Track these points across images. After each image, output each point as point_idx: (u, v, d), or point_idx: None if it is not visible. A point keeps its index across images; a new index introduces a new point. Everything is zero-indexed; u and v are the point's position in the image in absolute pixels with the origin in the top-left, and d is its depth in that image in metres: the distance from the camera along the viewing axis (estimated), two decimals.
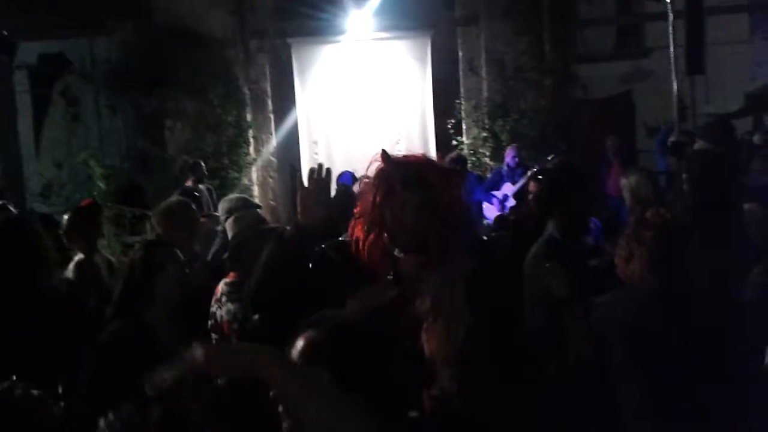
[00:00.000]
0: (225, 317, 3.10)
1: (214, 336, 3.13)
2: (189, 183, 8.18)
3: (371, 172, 2.10)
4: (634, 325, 2.40)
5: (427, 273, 1.88)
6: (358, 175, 8.58)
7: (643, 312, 2.41)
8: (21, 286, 3.20)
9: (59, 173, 10.77)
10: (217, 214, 7.17)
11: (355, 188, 7.95)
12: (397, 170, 2.04)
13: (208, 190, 8.43)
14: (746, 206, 3.48)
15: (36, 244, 3.35)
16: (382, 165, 2.08)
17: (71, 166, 10.25)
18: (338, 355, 1.36)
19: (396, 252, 2.05)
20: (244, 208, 4.05)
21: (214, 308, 3.18)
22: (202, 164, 8.43)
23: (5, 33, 6.75)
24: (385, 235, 2.05)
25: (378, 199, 2.04)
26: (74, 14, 10.73)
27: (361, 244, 2.10)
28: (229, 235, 3.33)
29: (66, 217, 4.33)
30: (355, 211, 2.15)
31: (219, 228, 4.61)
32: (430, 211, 2.01)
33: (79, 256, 4.09)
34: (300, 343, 1.42)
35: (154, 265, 2.70)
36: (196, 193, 7.81)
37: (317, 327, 1.43)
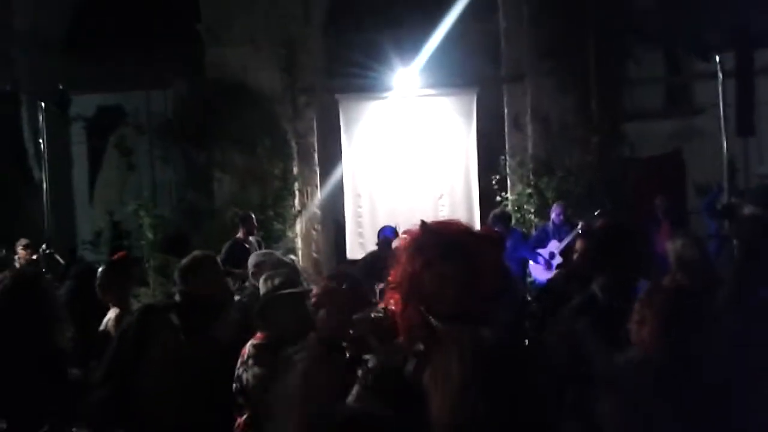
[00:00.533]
0: (251, 381, 2.98)
1: (239, 400, 3.03)
2: (240, 235, 8.28)
3: (406, 241, 2.07)
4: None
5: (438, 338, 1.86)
6: (399, 229, 8.62)
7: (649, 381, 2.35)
8: (24, 342, 3.22)
9: (110, 221, 11.06)
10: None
11: (395, 243, 7.97)
12: (434, 240, 2.00)
13: (258, 242, 8.52)
14: None
15: (40, 303, 3.36)
16: (419, 234, 2.04)
17: (122, 215, 10.51)
18: None
19: (434, 321, 1.99)
20: (273, 264, 4.04)
21: (240, 370, 3.05)
22: (253, 216, 8.54)
23: (61, 87, 7.04)
24: (422, 306, 2.00)
25: (415, 270, 1.99)
26: (133, 68, 11.18)
27: (397, 315, 2.06)
28: (261, 292, 3.28)
29: (99, 270, 4.35)
30: (388, 279, 2.10)
31: (246, 283, 4.59)
32: (470, 282, 1.96)
33: (114, 310, 4.13)
34: None
35: (146, 332, 2.62)
36: (246, 245, 7.93)
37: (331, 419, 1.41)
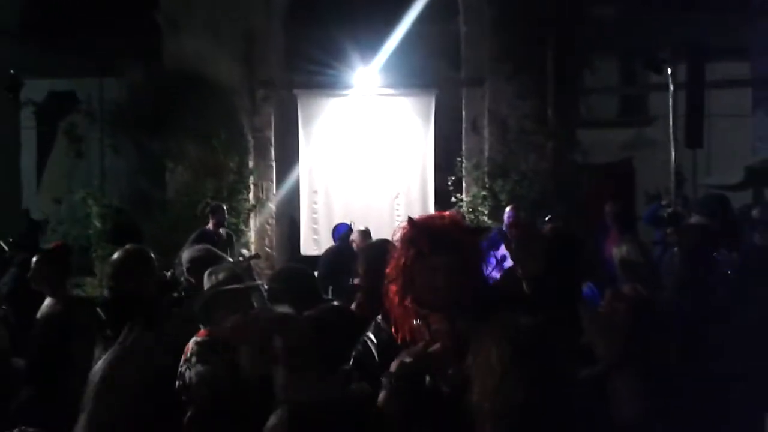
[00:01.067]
0: (194, 379, 2.89)
1: (183, 398, 2.93)
2: (210, 226, 8.14)
3: (398, 237, 2.19)
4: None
5: (469, 328, 1.91)
6: (354, 227, 8.63)
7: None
8: None
9: (57, 209, 10.78)
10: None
11: (353, 237, 7.97)
12: (424, 234, 2.11)
13: (228, 234, 8.40)
14: None
15: None
16: (410, 229, 2.16)
17: (70, 203, 10.26)
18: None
19: (423, 312, 2.11)
20: (208, 259, 3.94)
21: (183, 368, 2.96)
22: (224, 208, 8.39)
23: (12, 72, 6.85)
24: (412, 297, 2.12)
25: (407, 262, 2.11)
26: (86, 54, 10.94)
27: (394, 308, 2.16)
28: (205, 287, 3.19)
29: (34, 259, 4.23)
30: (387, 273, 2.21)
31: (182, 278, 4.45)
32: (460, 272, 2.08)
33: (50, 300, 4.02)
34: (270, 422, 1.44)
35: (72, 326, 2.52)
36: (216, 237, 7.82)
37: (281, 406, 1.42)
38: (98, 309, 2.94)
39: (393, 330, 2.17)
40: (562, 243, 3.52)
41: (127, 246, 3.62)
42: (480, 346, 1.71)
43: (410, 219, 2.20)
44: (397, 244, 2.19)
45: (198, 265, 4.08)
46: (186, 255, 4.34)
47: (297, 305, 3.10)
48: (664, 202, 7.29)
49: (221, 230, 8.25)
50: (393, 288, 2.15)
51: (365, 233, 7.84)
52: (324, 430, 1.44)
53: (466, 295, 2.09)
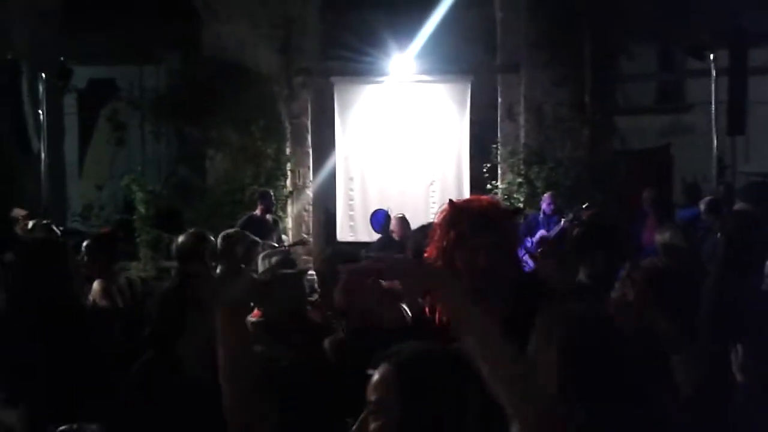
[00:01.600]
0: None
1: None
2: (257, 212, 8.24)
3: (438, 219, 2.21)
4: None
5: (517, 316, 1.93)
6: (391, 213, 8.70)
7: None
8: (60, 304, 3.26)
9: (100, 195, 11.04)
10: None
11: (392, 227, 8.02)
12: (465, 216, 2.14)
13: (274, 220, 8.52)
14: None
15: (70, 264, 3.43)
16: (450, 211, 2.18)
17: (112, 188, 10.50)
18: (415, 385, 1.36)
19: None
20: (247, 245, 4.05)
21: None
22: (272, 194, 8.50)
23: (62, 59, 7.02)
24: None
25: (448, 244, 2.13)
26: (127, 42, 11.13)
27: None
28: (259, 271, 3.29)
29: (84, 244, 4.41)
30: (425, 256, 2.22)
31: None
32: (500, 253, 2.11)
33: (99, 282, 4.18)
34: (375, 377, 1.41)
35: (187, 298, 2.68)
36: (263, 222, 7.95)
37: (392, 358, 1.42)
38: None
39: (431, 312, 2.14)
40: (600, 228, 3.54)
41: (192, 230, 3.82)
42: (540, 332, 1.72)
43: (450, 201, 2.23)
44: (436, 226, 2.20)
45: (234, 248, 4.26)
46: (221, 237, 4.44)
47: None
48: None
49: (268, 216, 8.32)
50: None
51: (403, 220, 7.90)
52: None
53: (505, 278, 2.11)
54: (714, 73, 6.81)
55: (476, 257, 2.09)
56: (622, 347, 1.74)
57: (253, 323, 3.06)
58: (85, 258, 4.33)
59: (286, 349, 2.88)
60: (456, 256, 2.12)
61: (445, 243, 2.14)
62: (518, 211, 5.89)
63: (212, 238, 3.86)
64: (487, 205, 2.20)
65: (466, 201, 2.25)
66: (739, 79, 7.09)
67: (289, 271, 3.17)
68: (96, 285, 4.24)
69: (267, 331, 3.00)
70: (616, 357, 1.69)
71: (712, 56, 6.82)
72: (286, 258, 3.27)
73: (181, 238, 3.83)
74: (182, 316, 2.62)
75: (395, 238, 7.67)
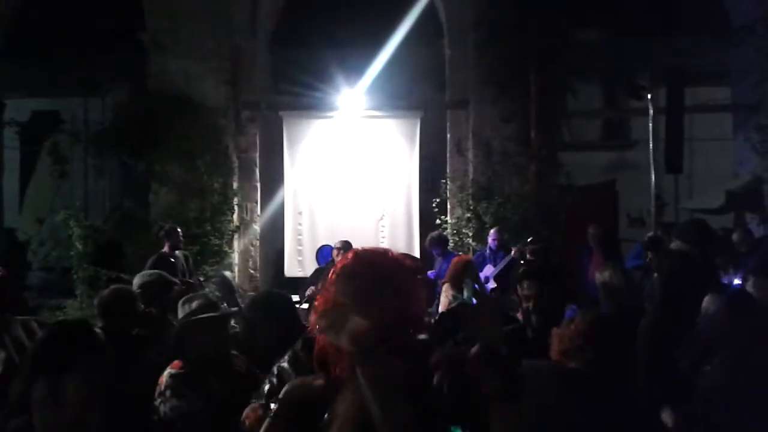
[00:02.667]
0: (169, 414, 2.80)
1: None
2: (165, 249, 8.06)
3: (337, 268, 2.01)
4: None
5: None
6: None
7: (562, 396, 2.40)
8: None
9: (40, 230, 10.69)
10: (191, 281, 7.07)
11: (336, 245, 7.93)
12: (366, 270, 1.96)
13: (185, 256, 8.33)
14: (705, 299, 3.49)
15: None
16: (350, 262, 2.00)
17: (53, 224, 10.18)
18: None
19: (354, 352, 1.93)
20: (161, 285, 3.92)
21: (157, 402, 2.85)
22: (178, 230, 8.33)
23: None
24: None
25: (345, 298, 1.93)
26: (71, 74, 10.91)
27: (326, 345, 1.98)
28: (179, 317, 3.08)
29: None
30: (315, 304, 2.04)
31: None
32: (399, 314, 1.93)
33: None
34: None
35: (63, 353, 2.45)
36: (172, 260, 7.76)
37: None
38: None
39: (317, 364, 2.01)
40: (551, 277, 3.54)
41: (113, 287, 3.69)
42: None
43: (354, 251, 2.04)
44: (335, 276, 1.99)
45: (150, 291, 4.11)
46: (136, 280, 4.25)
47: (277, 333, 3.07)
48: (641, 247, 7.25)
49: (177, 252, 8.14)
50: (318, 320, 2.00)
51: (346, 245, 7.85)
52: None
53: (401, 336, 1.94)
54: (651, 112, 6.95)
55: (378, 316, 1.90)
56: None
57: (170, 375, 2.89)
58: None
59: (204, 401, 2.74)
60: (351, 311, 1.92)
61: (342, 297, 1.95)
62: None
63: (134, 295, 3.73)
64: (393, 262, 2.01)
65: (372, 253, 2.04)
66: (675, 117, 7.25)
67: (210, 314, 3.01)
68: None
69: (184, 382, 2.84)
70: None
71: (649, 96, 6.95)
72: (208, 302, 3.10)
73: (104, 293, 3.70)
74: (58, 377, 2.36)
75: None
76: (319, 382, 1.86)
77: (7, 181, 11.51)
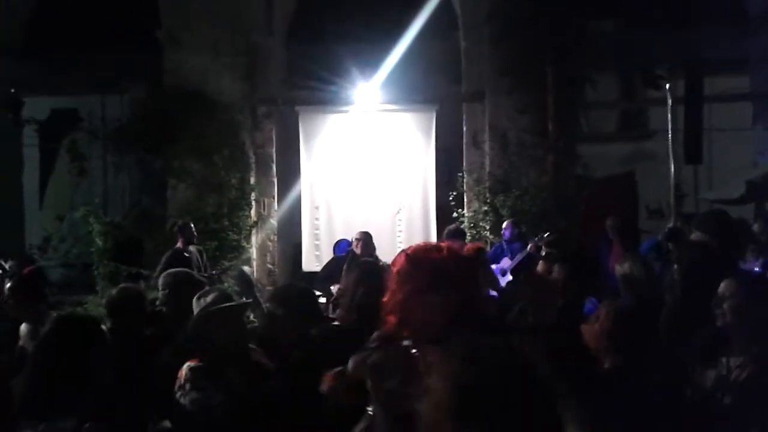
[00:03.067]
0: (189, 407, 2.81)
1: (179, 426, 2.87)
2: (179, 245, 8.12)
3: (395, 270, 2.16)
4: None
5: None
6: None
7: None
8: None
9: (60, 227, 10.81)
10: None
11: (356, 236, 8.04)
12: (421, 270, 2.08)
13: (199, 251, 8.40)
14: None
15: None
16: (405, 265, 2.12)
17: (72, 220, 10.28)
18: None
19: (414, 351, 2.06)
20: (189, 283, 3.93)
21: (177, 395, 2.86)
22: (192, 225, 8.39)
23: (13, 91, 6.89)
24: (409, 331, 2.08)
25: (404, 298, 2.08)
26: (89, 72, 11.00)
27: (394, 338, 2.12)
28: (195, 312, 3.08)
29: (8, 286, 4.26)
30: (383, 303, 2.18)
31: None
32: (459, 307, 2.04)
33: (27, 325, 4.03)
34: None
35: (70, 347, 2.41)
36: (186, 255, 7.83)
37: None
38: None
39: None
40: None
41: (122, 285, 3.74)
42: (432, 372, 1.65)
43: (405, 254, 2.15)
44: (393, 277, 2.15)
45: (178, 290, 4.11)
46: (163, 279, 4.23)
47: (298, 325, 3.09)
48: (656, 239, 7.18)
49: (191, 248, 8.21)
50: (391, 319, 2.12)
51: (366, 236, 7.91)
52: None
53: (463, 329, 2.02)
54: (670, 102, 6.89)
55: (433, 313, 2.03)
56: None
57: (190, 368, 2.91)
58: (10, 301, 4.18)
59: (223, 394, 2.76)
60: (412, 309, 2.06)
61: (401, 296, 2.09)
62: (478, 253, 5.84)
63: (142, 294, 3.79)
64: (445, 258, 2.13)
65: (425, 252, 2.16)
66: (694, 107, 7.18)
67: (222, 306, 3.00)
68: (23, 328, 4.09)
69: (204, 375, 2.86)
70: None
71: (668, 86, 6.89)
72: (222, 294, 3.11)
73: (112, 292, 3.76)
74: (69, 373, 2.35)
75: (356, 252, 7.71)
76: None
77: (27, 178, 11.65)
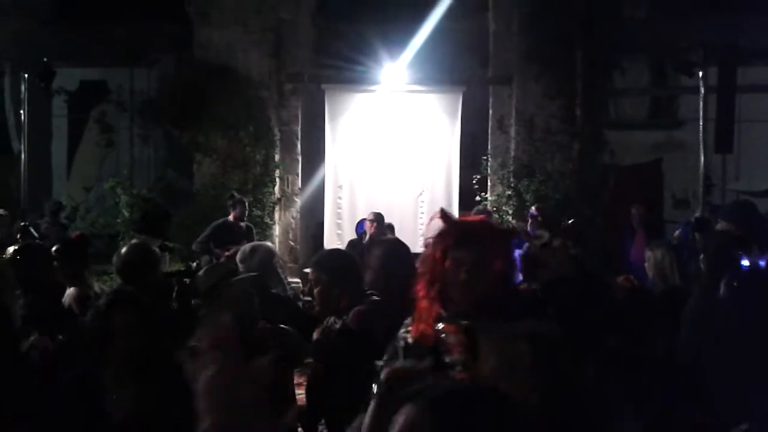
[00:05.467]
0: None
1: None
2: (231, 217, 8.31)
3: (432, 231, 2.23)
4: None
5: (481, 334, 1.93)
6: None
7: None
8: None
9: (87, 197, 10.95)
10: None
11: (368, 217, 8.10)
12: (453, 228, 2.17)
13: (248, 228, 8.50)
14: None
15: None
16: (442, 224, 2.20)
17: (99, 191, 10.41)
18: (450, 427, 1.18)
19: (440, 325, 2.11)
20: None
21: None
22: (245, 203, 8.46)
23: (45, 60, 6.96)
24: (437, 292, 2.13)
25: (437, 256, 2.15)
26: (118, 44, 11.07)
27: (419, 302, 2.17)
28: (201, 288, 3.13)
29: (54, 249, 4.34)
30: (418, 265, 2.27)
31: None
32: (484, 270, 2.09)
33: (74, 289, 4.10)
34: (400, 419, 1.23)
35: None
36: (235, 229, 8.00)
37: (415, 400, 1.24)
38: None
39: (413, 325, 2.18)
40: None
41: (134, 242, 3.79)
42: (496, 353, 1.66)
43: (443, 212, 2.23)
44: (431, 238, 2.22)
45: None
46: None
47: (348, 295, 3.05)
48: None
49: (242, 223, 8.34)
50: (421, 282, 2.17)
51: (379, 217, 7.96)
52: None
53: (489, 298, 2.08)
54: (703, 90, 6.78)
55: (459, 271, 2.08)
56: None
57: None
58: (56, 263, 4.26)
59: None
60: (442, 267, 2.13)
61: (434, 254, 2.17)
62: (512, 231, 5.84)
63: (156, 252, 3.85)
64: (478, 222, 2.25)
65: (462, 218, 2.33)
66: (727, 96, 7.07)
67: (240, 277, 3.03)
68: (72, 291, 4.16)
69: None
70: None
71: (701, 73, 6.79)
72: (230, 270, 3.13)
73: (123, 250, 3.80)
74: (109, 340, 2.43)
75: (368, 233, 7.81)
76: (424, 364, 1.87)
77: (56, 149, 11.80)
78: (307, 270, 9.20)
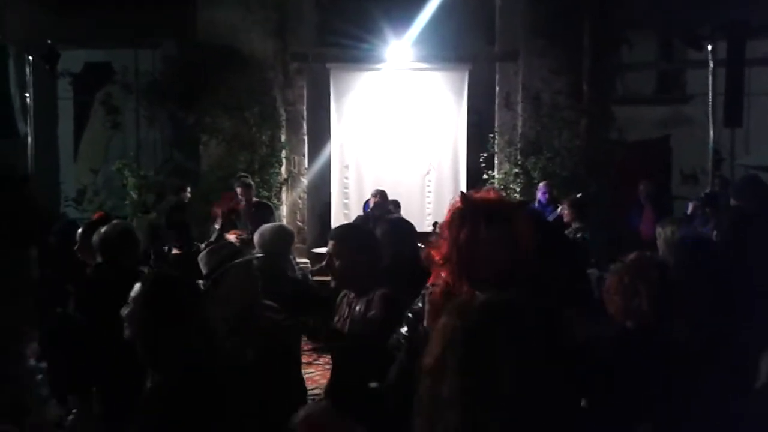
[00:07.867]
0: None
1: None
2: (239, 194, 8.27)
3: (450, 213, 2.19)
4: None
5: None
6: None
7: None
8: None
9: (95, 179, 10.96)
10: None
11: (373, 193, 8.17)
12: (476, 209, 2.13)
13: (266, 206, 8.55)
14: None
15: None
16: (462, 205, 2.16)
17: (107, 173, 10.41)
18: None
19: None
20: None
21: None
22: (251, 185, 8.44)
23: (50, 42, 6.93)
24: (468, 275, 2.10)
25: (461, 238, 2.11)
26: (123, 25, 10.99)
27: (451, 287, 2.13)
28: (203, 270, 3.04)
29: (79, 230, 4.36)
30: (435, 256, 2.20)
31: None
32: (513, 246, 2.09)
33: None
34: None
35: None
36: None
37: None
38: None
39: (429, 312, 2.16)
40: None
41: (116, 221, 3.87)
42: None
43: (463, 194, 2.20)
44: (448, 220, 2.17)
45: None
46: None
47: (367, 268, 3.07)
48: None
49: (254, 200, 8.42)
50: (447, 268, 2.14)
51: (382, 195, 7.98)
52: None
53: (523, 270, 2.08)
54: (711, 64, 6.71)
55: (493, 251, 2.07)
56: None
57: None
58: (80, 246, 4.29)
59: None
60: (472, 251, 2.09)
61: (458, 237, 2.11)
62: (524, 204, 5.85)
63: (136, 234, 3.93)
64: (498, 199, 2.21)
65: (479, 194, 2.21)
66: (736, 70, 6.99)
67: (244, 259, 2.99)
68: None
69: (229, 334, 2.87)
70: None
71: (710, 47, 6.71)
72: (234, 250, 3.10)
73: (104, 229, 3.84)
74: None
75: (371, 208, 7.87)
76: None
77: (62, 131, 11.78)
78: (315, 250, 9.28)
